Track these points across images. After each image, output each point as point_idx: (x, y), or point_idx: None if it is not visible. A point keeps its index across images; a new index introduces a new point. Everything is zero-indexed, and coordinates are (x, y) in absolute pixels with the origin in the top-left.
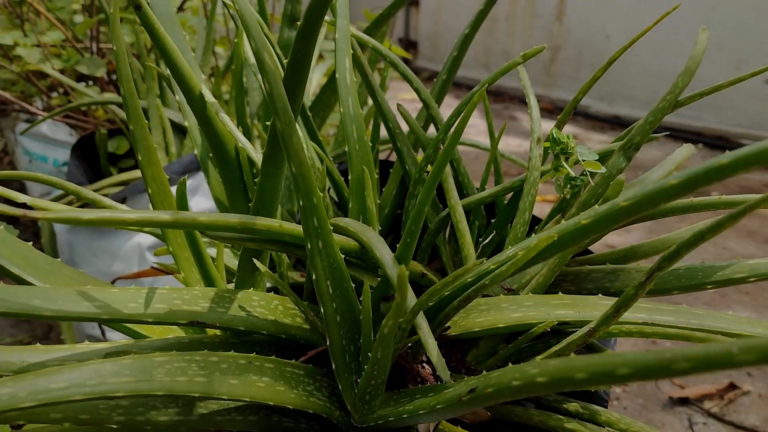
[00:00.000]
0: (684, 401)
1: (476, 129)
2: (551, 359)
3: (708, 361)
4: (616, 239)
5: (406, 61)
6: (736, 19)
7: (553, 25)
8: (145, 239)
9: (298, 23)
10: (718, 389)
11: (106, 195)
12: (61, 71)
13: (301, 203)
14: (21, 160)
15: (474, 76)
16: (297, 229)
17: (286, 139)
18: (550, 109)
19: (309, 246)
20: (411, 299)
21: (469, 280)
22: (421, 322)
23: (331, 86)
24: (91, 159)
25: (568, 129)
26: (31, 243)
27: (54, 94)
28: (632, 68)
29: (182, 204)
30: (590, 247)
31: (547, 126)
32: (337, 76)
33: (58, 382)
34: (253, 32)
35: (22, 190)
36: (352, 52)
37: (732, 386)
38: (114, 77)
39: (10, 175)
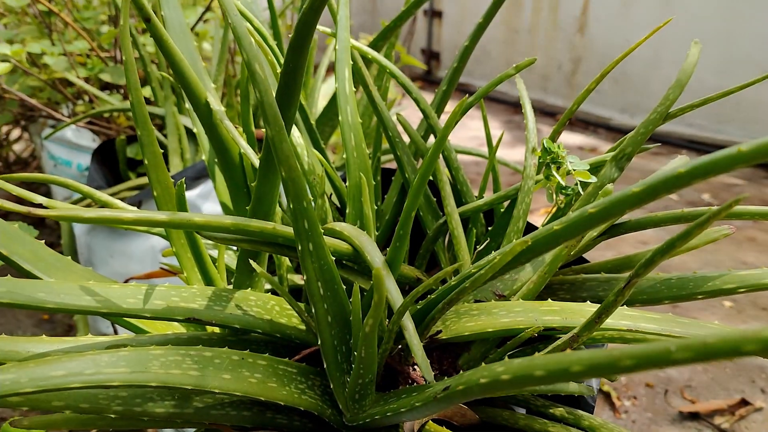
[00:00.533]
0: (694, 416)
1: (495, 140)
2: (516, 359)
3: (649, 359)
4: (634, 252)
5: (428, 71)
6: (762, 31)
7: (575, 37)
8: (159, 242)
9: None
10: (729, 405)
11: (123, 198)
12: (86, 79)
13: (291, 206)
14: (47, 165)
15: (496, 87)
16: (290, 231)
17: (276, 145)
18: (570, 121)
19: (300, 248)
20: (398, 300)
21: (453, 283)
22: (407, 323)
23: None
24: (111, 164)
25: (589, 141)
26: (44, 241)
27: (79, 102)
28: (655, 80)
29: (181, 205)
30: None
31: (567, 138)
32: (336, 86)
33: (57, 370)
34: (245, 44)
35: (49, 192)
36: (351, 62)
37: (744, 402)
38: None
39: (24, 177)
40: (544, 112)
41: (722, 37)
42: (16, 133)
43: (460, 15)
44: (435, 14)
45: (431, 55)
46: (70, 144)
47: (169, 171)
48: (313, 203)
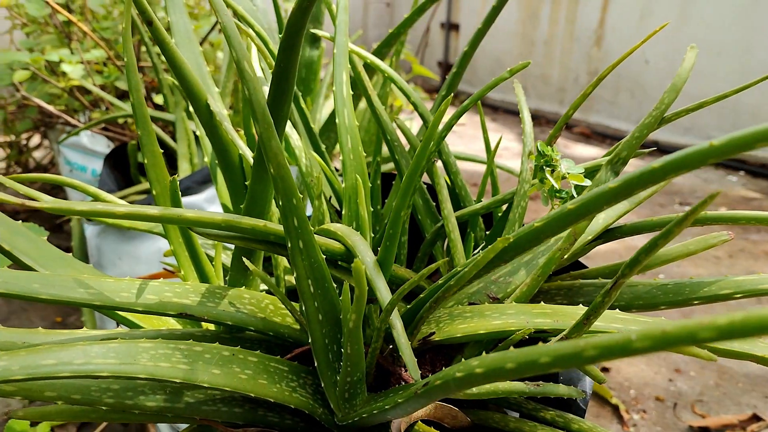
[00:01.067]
0: (704, 431)
1: (510, 152)
2: (490, 354)
3: (611, 349)
4: None
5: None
6: None
7: (592, 50)
8: (167, 245)
9: (317, 42)
10: (740, 420)
11: (132, 201)
12: (102, 87)
13: (280, 203)
14: (63, 170)
15: (512, 99)
16: (281, 229)
17: (264, 142)
18: (587, 134)
19: (290, 245)
20: (388, 299)
21: (440, 282)
22: (396, 321)
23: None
24: (123, 169)
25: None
26: (66, 249)
27: (96, 110)
28: None
29: (175, 201)
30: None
31: (583, 150)
32: (334, 89)
33: (47, 359)
34: (234, 43)
35: (66, 198)
36: (351, 66)
37: (755, 417)
38: (153, 94)
39: (28, 178)
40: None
41: (740, 48)
42: (36, 140)
43: (477, 28)
44: (452, 27)
45: (447, 68)
46: (86, 150)
47: (178, 175)
48: (309, 202)
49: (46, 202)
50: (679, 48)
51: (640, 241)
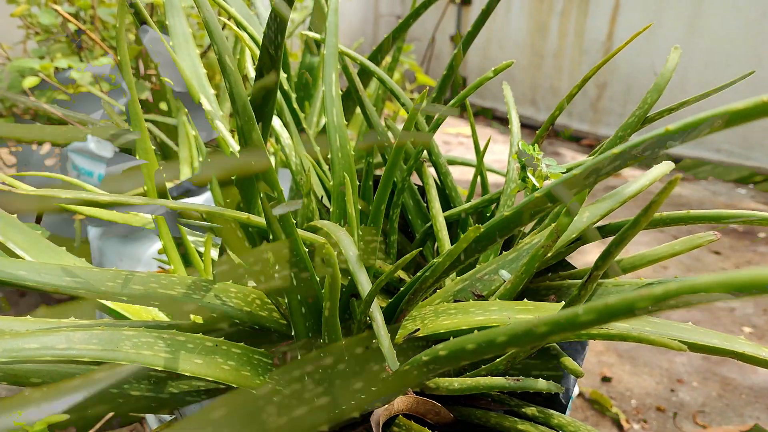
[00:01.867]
0: None
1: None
2: (455, 338)
3: (560, 324)
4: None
5: (451, 93)
6: None
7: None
8: None
9: (319, 49)
10: (741, 431)
11: None
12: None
13: (261, 195)
14: (70, 175)
15: (521, 112)
16: (264, 221)
17: (245, 134)
18: (595, 146)
19: (271, 237)
20: (368, 289)
21: (418, 275)
22: (376, 314)
23: (346, 103)
24: None
25: None
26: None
27: None
28: None
29: (160, 193)
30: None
31: None
32: (323, 89)
33: (31, 343)
34: (216, 38)
35: None
36: (342, 66)
37: (757, 429)
38: (161, 102)
39: (29, 176)
40: (569, 136)
41: (749, 60)
42: (47, 147)
43: (486, 40)
44: None
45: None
46: (93, 155)
47: (179, 179)
48: (300, 200)
49: (33, 191)
50: (689, 60)
51: (636, 246)
